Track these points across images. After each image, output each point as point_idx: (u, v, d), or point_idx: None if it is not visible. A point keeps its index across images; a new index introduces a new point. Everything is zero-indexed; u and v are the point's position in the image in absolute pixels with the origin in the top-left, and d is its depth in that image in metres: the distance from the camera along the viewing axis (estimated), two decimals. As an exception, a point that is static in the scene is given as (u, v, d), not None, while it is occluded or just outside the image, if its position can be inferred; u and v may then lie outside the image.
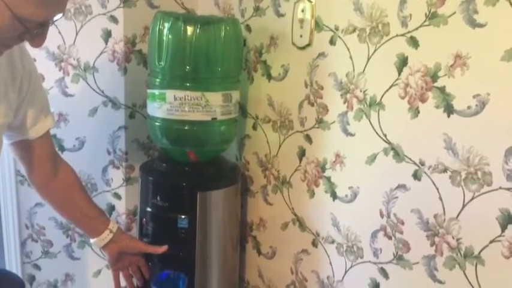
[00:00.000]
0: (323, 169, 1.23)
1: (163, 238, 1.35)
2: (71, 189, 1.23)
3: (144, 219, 1.39)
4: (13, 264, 1.71)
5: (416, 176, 0.99)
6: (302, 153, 1.30)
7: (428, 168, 0.97)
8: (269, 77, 1.39)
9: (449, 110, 0.92)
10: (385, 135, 1.05)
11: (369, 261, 1.14)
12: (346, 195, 1.17)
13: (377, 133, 1.07)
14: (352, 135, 1.14)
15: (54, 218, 1.65)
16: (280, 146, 1.38)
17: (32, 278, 1.70)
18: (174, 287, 1.35)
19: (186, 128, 1.32)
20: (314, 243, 1.29)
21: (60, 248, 1.69)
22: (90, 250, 1.68)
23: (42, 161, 1.14)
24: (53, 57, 1.51)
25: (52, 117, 1.12)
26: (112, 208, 1.66)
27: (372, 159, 1.09)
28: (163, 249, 1.32)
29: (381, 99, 1.05)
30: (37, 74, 1.07)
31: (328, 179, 1.22)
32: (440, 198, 0.95)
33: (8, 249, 1.71)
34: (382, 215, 1.08)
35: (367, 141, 1.09)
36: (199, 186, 1.35)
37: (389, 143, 1.05)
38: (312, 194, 1.28)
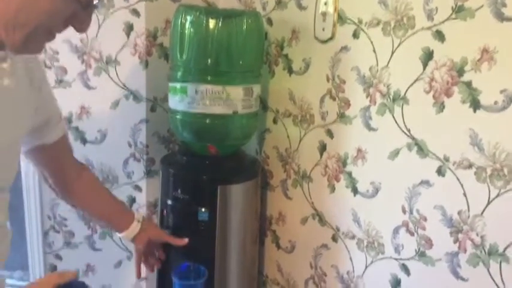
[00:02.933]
0: (344, 164, 1.23)
1: (184, 230, 1.36)
2: (95, 188, 1.22)
3: (165, 211, 1.40)
4: (35, 255, 1.75)
5: (440, 171, 0.98)
6: (323, 148, 1.29)
7: (453, 164, 0.95)
8: (290, 71, 1.38)
9: (476, 105, 0.90)
10: (409, 130, 1.04)
11: (390, 257, 1.13)
12: (368, 191, 1.17)
13: (400, 128, 1.06)
14: (374, 130, 1.13)
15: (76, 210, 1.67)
16: (300, 140, 1.37)
17: (54, 268, 1.73)
18: (194, 278, 1.36)
19: (207, 121, 1.32)
20: (334, 238, 1.29)
21: (82, 239, 1.71)
22: (111, 241, 1.70)
23: (65, 163, 1.12)
24: (76, 50, 1.53)
25: (64, 124, 1.09)
26: (133, 200, 1.68)
27: (394, 154, 1.08)
28: (183, 241, 1.33)
29: (405, 94, 1.04)
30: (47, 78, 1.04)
31: (349, 174, 1.21)
32: (465, 195, 0.94)
33: (30, 239, 1.74)
34: (404, 211, 1.07)
35: (390, 136, 1.08)
36: (220, 180, 1.36)
37: (413, 138, 1.03)
38: (333, 188, 1.27)
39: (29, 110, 0.91)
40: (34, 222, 1.71)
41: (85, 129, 1.60)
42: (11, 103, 0.84)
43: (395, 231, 1.11)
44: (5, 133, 0.83)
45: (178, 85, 1.32)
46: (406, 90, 1.03)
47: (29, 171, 1.65)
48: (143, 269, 1.38)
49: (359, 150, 1.18)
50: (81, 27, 0.77)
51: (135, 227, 1.25)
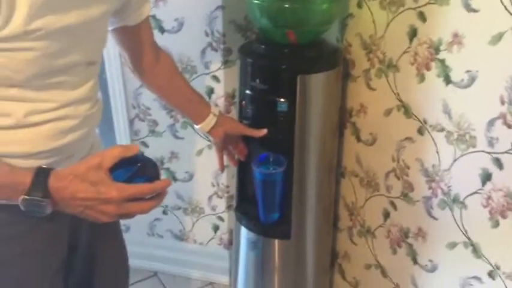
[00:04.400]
0: (437, 51, 1.12)
1: (263, 121, 1.35)
2: (173, 75, 1.23)
3: (244, 102, 1.39)
4: (123, 142, 1.85)
5: (552, 57, 0.86)
6: (413, 33, 1.18)
7: None
8: None
9: None
10: (518, 10, 0.91)
11: (482, 151, 1.06)
12: (462, 80, 1.07)
13: (506, 8, 0.93)
14: (475, 11, 1.00)
15: (158, 99, 1.71)
16: (388, 25, 1.26)
17: (142, 154, 1.83)
18: (273, 167, 1.38)
19: (286, 5, 1.24)
20: (420, 131, 1.22)
21: (165, 128, 1.78)
22: (193, 131, 1.75)
23: (145, 47, 1.13)
24: None
25: (149, 5, 1.08)
26: (211, 91, 1.68)
27: (497, 38, 0.96)
28: (262, 132, 1.34)
29: (516, -34, 0.89)
30: None
31: (442, 61, 1.11)
32: None
33: (117, 127, 1.83)
34: (502, 102, 0.98)
35: (493, 17, 0.96)
36: (300, 69, 1.30)
37: (522, 18, 0.91)
38: (422, 78, 1.18)
39: None
40: (120, 111, 1.79)
41: (162, 18, 1.58)
42: None
43: (491, 123, 1.02)
44: (94, 7, 0.84)
45: (255, -34, 1.23)
46: (520, -38, 0.89)
47: (112, 62, 1.69)
48: (225, 160, 1.42)
49: (455, 35, 1.06)
50: None
51: (210, 121, 1.26)
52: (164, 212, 1.96)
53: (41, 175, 0.74)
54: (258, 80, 1.34)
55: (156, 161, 0.85)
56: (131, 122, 1.81)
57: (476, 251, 1.14)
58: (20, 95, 0.80)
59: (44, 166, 0.76)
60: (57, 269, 0.96)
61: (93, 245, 1.07)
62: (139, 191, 0.77)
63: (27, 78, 0.78)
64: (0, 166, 0.76)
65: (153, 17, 1.57)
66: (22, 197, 0.74)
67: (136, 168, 0.79)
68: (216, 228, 1.94)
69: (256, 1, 1.28)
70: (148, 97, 1.73)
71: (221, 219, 1.91)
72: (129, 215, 0.79)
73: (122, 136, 1.84)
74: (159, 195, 0.81)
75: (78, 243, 1.03)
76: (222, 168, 1.41)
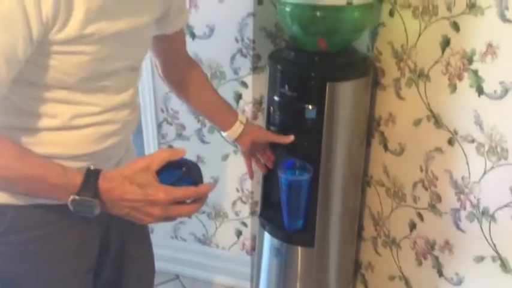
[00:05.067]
0: (470, 61, 1.11)
1: (290, 128, 1.36)
2: (202, 84, 1.24)
3: (272, 108, 1.40)
4: (151, 145, 1.87)
5: None
6: (446, 43, 1.17)
7: None
8: (412, -45, 1.23)
9: None
10: (556, 21, 0.90)
11: (514, 164, 1.04)
12: (495, 91, 1.05)
13: (545, 19, 0.92)
14: (510, 21, 0.99)
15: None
16: (420, 34, 1.25)
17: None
18: (299, 174, 1.38)
19: (318, 13, 1.25)
20: (450, 142, 1.21)
21: (192, 132, 1.79)
22: (219, 135, 1.76)
23: (178, 55, 1.15)
24: None
25: (187, 15, 1.10)
26: (239, 96, 1.70)
27: (533, 49, 0.95)
28: (289, 139, 1.34)
29: (555, -23, 0.88)
30: None
31: (475, 72, 1.10)
32: None
33: (146, 130, 1.86)
34: (538, 114, 0.96)
35: (531, 28, 0.95)
36: (329, 77, 1.31)
37: (560, 30, 0.89)
38: (454, 88, 1.16)
39: (158, 2, 0.94)
40: (149, 114, 1.81)
41: (194, 24, 1.60)
42: None
43: (524, 136, 1.01)
44: (142, 15, 0.87)
45: (288, -26, 1.24)
46: (559, -28, 0.88)
47: (142, 66, 1.71)
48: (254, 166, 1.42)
49: (489, 45, 1.05)
50: None
51: (236, 128, 1.26)
52: (188, 216, 1.97)
53: (91, 176, 0.75)
54: (286, 87, 1.34)
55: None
56: (159, 126, 1.83)
57: (504, 266, 1.12)
58: (68, 98, 0.82)
59: (92, 167, 0.77)
60: (88, 269, 0.98)
61: (124, 247, 1.08)
62: (185, 194, 0.78)
63: (77, 81, 0.81)
64: (53, 166, 0.76)
65: (193, 23, 1.60)
66: (72, 197, 0.74)
67: (182, 172, 0.81)
68: (239, 234, 1.95)
69: (288, 9, 1.30)
70: (176, 101, 1.75)
71: (244, 224, 1.92)
72: (172, 218, 0.80)
73: (150, 139, 1.86)
74: (200, 199, 0.82)
75: (110, 245, 1.05)
76: (252, 175, 1.42)
